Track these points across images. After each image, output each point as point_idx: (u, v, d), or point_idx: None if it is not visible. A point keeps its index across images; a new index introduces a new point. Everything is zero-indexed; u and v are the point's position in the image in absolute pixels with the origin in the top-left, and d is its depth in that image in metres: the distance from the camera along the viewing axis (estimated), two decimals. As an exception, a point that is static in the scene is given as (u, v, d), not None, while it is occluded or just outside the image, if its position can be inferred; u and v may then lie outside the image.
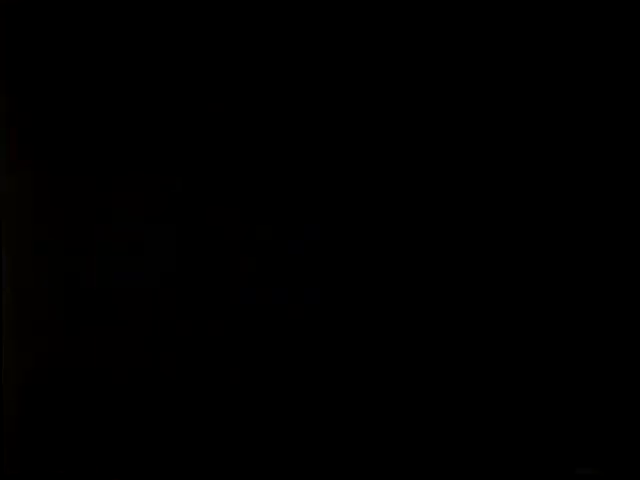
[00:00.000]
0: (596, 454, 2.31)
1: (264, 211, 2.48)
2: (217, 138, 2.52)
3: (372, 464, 2.44)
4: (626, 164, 2.40)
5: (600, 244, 2.39)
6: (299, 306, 2.46)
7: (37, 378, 2.57)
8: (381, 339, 2.44)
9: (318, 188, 2.47)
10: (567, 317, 2.38)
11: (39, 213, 2.57)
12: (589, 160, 2.40)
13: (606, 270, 2.38)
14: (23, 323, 2.56)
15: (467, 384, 2.41)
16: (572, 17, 2.42)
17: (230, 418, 2.50)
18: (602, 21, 2.40)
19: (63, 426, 2.56)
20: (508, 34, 2.43)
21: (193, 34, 2.52)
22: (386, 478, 2.43)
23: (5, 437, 2.58)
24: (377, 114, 2.46)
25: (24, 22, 2.57)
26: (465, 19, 2.44)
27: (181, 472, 2.52)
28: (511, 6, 2.43)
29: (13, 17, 2.58)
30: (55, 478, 2.56)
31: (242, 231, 2.49)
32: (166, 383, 2.52)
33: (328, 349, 2.46)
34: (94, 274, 2.54)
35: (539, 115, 2.42)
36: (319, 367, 2.47)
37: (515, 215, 2.42)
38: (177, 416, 2.52)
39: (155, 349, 2.52)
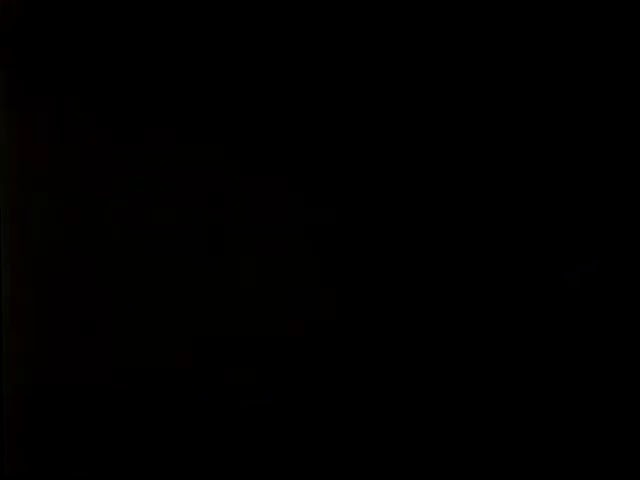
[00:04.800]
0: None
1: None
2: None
3: (370, 464, 2.45)
4: (626, 164, 2.40)
5: (600, 244, 2.40)
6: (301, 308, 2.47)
7: (38, 378, 2.58)
8: (381, 338, 2.45)
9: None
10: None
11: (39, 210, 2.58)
12: (589, 160, 2.41)
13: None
14: (23, 321, 2.57)
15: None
16: (572, 17, 2.43)
17: (231, 419, 2.51)
18: (602, 21, 2.41)
19: (64, 426, 2.57)
20: (508, 34, 2.44)
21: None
22: (386, 478, 2.44)
23: (5, 437, 2.59)
24: (376, 114, 2.47)
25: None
26: (465, 19, 2.45)
27: (181, 473, 2.53)
28: (511, 6, 2.44)
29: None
30: (55, 478, 2.57)
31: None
32: (168, 385, 2.53)
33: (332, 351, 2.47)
34: (96, 272, 2.55)
35: (539, 115, 2.42)
36: (321, 368, 2.47)
37: (515, 214, 2.42)
38: (179, 419, 2.53)
39: (157, 350, 2.53)
